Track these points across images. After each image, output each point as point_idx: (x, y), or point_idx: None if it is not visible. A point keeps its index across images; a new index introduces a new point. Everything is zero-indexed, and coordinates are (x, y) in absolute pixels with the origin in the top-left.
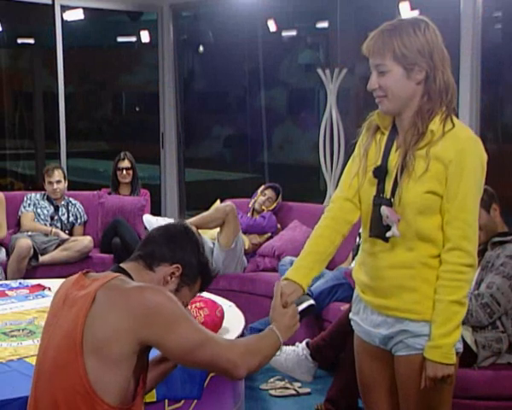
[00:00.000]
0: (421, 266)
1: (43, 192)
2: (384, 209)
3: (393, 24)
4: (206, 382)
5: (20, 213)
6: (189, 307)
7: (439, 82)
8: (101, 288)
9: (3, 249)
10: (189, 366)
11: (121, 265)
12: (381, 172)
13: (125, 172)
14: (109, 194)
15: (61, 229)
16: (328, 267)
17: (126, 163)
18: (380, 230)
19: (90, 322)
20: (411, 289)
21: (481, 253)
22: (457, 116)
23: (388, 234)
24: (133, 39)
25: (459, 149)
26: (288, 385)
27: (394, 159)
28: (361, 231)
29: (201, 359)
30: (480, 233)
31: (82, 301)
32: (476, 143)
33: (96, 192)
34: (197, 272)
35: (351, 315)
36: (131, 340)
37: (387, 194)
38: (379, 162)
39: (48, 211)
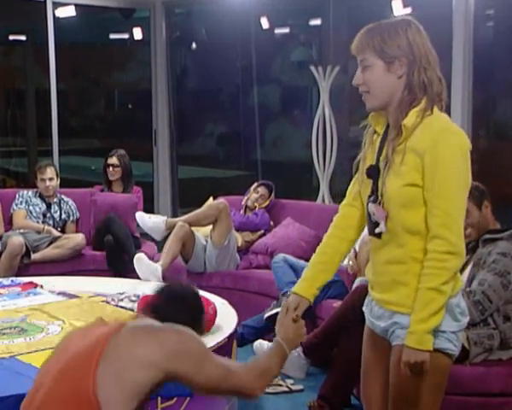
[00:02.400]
0: (412, 260)
1: (35, 190)
2: (371, 206)
3: (377, 24)
4: None
5: (12, 210)
6: None
7: (418, 76)
8: (130, 320)
9: None
10: (212, 396)
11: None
12: (373, 172)
13: (111, 168)
14: (102, 191)
15: (54, 226)
16: None
17: (114, 160)
18: (371, 227)
19: (114, 343)
20: (404, 283)
21: (473, 250)
22: (450, 114)
23: (376, 230)
24: (126, 36)
25: (432, 139)
26: (281, 382)
27: (386, 157)
28: None
29: (224, 391)
30: (471, 230)
31: (108, 327)
32: (452, 133)
33: (88, 190)
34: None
35: (364, 307)
36: (157, 371)
37: (379, 192)
38: (373, 162)
39: (40, 208)
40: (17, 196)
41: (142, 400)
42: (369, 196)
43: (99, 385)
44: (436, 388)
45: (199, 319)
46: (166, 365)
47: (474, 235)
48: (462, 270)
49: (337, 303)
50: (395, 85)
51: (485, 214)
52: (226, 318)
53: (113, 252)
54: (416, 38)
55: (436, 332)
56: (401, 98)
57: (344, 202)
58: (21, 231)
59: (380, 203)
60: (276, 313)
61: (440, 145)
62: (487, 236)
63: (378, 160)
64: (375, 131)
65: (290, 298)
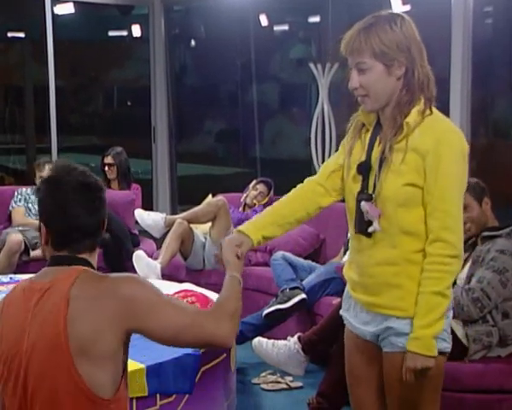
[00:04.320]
0: (405, 262)
1: (33, 187)
2: (364, 205)
3: (369, 21)
4: (198, 376)
5: (10, 208)
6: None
7: (418, 75)
8: (72, 286)
9: None
10: (181, 347)
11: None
12: (364, 168)
13: (107, 167)
14: None
15: None
16: (319, 262)
17: (109, 159)
18: (362, 225)
19: (70, 324)
20: (396, 285)
21: (472, 247)
22: (448, 111)
23: (370, 229)
24: (124, 33)
25: (435, 140)
26: (280, 379)
27: (376, 153)
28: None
29: (190, 340)
30: (471, 225)
31: (56, 306)
32: (454, 134)
33: None
34: None
35: (341, 311)
36: (117, 334)
37: (370, 189)
38: (363, 158)
39: None
40: (16, 193)
41: (121, 358)
42: (359, 193)
43: (82, 375)
44: (437, 388)
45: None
46: (120, 326)
47: (474, 230)
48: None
49: (336, 300)
50: (394, 87)
51: (484, 211)
52: None
53: (110, 250)
54: (411, 33)
55: None
56: (399, 98)
57: (315, 178)
58: (20, 228)
59: (373, 202)
60: (275, 311)
61: (443, 146)
62: (486, 233)
63: (369, 156)
64: (365, 127)
65: (234, 235)
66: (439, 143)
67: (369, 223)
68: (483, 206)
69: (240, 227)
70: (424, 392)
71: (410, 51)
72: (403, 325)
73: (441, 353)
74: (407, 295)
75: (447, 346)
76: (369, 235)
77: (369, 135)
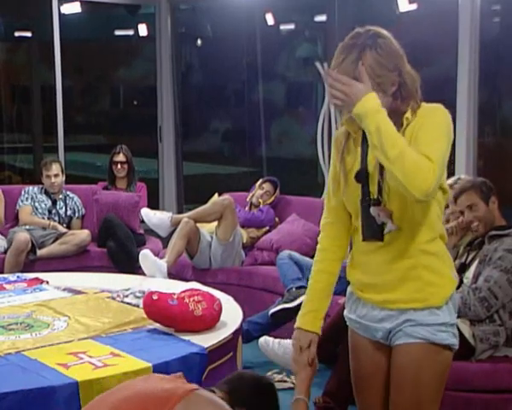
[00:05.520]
0: (420, 253)
1: (40, 186)
2: (374, 209)
3: (355, 54)
4: (204, 375)
5: (17, 206)
6: (188, 300)
7: (409, 85)
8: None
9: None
10: None
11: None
12: (362, 176)
13: (119, 165)
14: (106, 188)
15: (59, 222)
16: None
17: (121, 157)
18: (374, 231)
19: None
20: (413, 278)
21: (479, 246)
22: (455, 110)
23: (386, 231)
24: (131, 33)
25: (425, 113)
26: (286, 378)
27: (373, 159)
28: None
29: None
30: (478, 224)
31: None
32: (443, 109)
33: (91, 186)
34: None
35: (345, 313)
36: None
37: (374, 194)
38: (358, 166)
39: (46, 204)
40: (23, 192)
41: None
42: (362, 201)
43: None
44: (442, 383)
45: None
46: None
47: (481, 229)
48: (468, 266)
49: (342, 299)
50: (390, 101)
51: (492, 210)
52: (231, 314)
53: (117, 256)
54: (394, 49)
55: (446, 326)
56: (394, 107)
57: (324, 219)
58: (27, 227)
59: (380, 204)
60: (281, 310)
61: (432, 114)
62: (493, 232)
63: (364, 163)
64: (351, 135)
65: (299, 335)
66: (429, 112)
67: (382, 226)
68: (490, 205)
69: (299, 324)
70: (430, 387)
71: (398, 66)
72: (422, 316)
73: (449, 348)
74: (424, 286)
75: (456, 342)
76: (381, 239)
77: (359, 141)
